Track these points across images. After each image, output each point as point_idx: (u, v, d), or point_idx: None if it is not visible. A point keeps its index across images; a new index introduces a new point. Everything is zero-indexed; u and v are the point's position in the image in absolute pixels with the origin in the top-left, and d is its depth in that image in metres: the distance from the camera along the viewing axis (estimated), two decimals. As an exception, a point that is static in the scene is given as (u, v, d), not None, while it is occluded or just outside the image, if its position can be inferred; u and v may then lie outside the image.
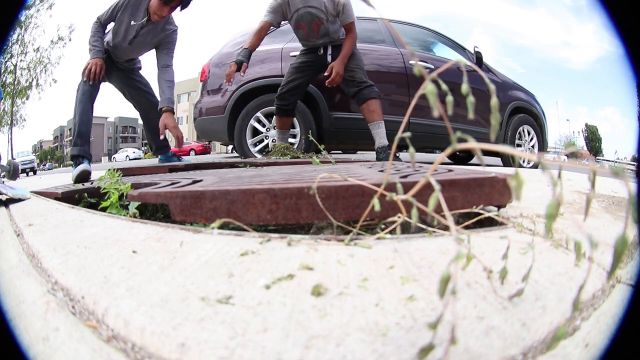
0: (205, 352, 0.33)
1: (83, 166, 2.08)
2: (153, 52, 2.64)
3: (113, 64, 2.57)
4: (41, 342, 0.38)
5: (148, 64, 2.87)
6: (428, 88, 0.32)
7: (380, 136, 2.70)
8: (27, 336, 0.39)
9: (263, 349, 0.33)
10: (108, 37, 2.50)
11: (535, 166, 3.36)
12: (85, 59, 2.42)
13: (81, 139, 2.28)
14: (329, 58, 2.71)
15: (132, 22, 2.42)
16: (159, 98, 2.58)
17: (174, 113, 2.50)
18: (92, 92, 2.37)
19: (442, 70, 0.35)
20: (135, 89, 2.73)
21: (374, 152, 2.83)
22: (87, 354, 0.36)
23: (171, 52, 2.60)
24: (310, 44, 2.78)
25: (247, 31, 3.71)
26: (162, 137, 2.55)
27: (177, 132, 2.46)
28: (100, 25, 2.44)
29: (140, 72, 2.81)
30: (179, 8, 2.41)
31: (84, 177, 2.00)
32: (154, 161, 3.55)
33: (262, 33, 2.69)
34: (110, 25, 2.51)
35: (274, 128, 3.23)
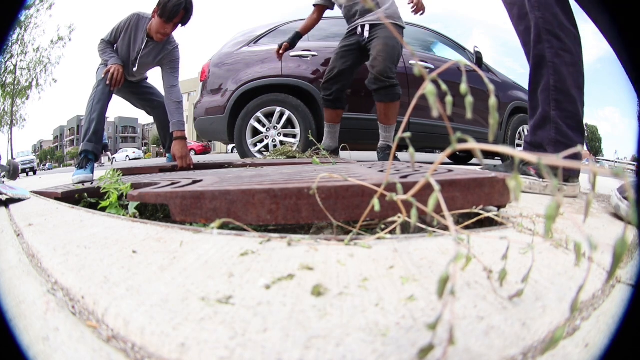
0: (205, 352, 0.33)
1: (84, 176, 2.06)
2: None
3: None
4: (41, 342, 0.38)
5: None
6: (428, 88, 0.32)
7: (384, 138, 2.62)
8: (27, 336, 0.39)
9: (263, 349, 0.33)
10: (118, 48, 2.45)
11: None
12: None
13: (96, 137, 2.23)
14: (366, 34, 2.49)
15: (133, 45, 2.39)
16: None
17: (185, 139, 2.40)
18: (110, 94, 2.35)
19: (442, 70, 0.35)
20: (142, 95, 2.76)
21: (374, 152, 2.82)
22: (87, 354, 0.36)
23: (176, 72, 2.52)
24: (350, 11, 2.58)
25: (247, 31, 3.72)
26: (179, 165, 2.34)
27: (185, 162, 2.31)
28: (107, 42, 2.39)
29: (147, 81, 2.84)
30: (180, 25, 2.33)
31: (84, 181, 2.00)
32: (154, 161, 3.58)
33: (313, 16, 2.74)
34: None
35: (274, 128, 3.23)
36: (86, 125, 2.26)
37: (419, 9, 2.47)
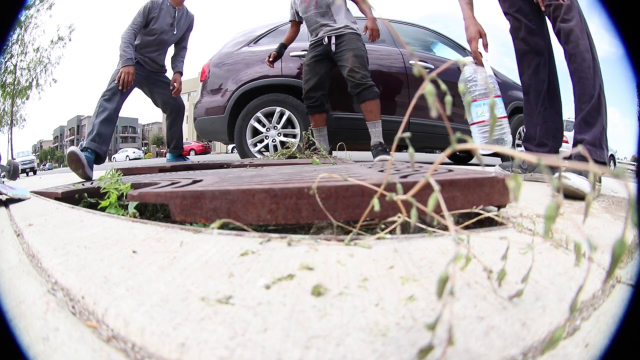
0: (205, 352, 0.33)
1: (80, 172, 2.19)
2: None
3: (142, 69, 2.96)
4: (41, 342, 0.38)
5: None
6: (427, 88, 0.32)
7: (375, 135, 2.80)
8: (27, 336, 0.39)
9: (263, 349, 0.33)
10: (139, 41, 2.90)
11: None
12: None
13: (100, 137, 2.45)
14: (333, 47, 2.74)
15: (165, 17, 2.91)
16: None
17: (182, 75, 3.19)
18: (122, 96, 2.71)
19: (441, 70, 0.35)
20: (164, 89, 3.14)
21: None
22: (87, 354, 0.36)
23: (188, 38, 3.22)
24: (312, 24, 2.82)
25: (247, 31, 3.71)
26: (175, 93, 3.12)
27: (179, 90, 3.12)
28: (134, 32, 2.82)
29: (165, 74, 3.22)
30: None
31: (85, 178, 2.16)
32: (154, 161, 3.64)
33: (291, 29, 3.08)
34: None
35: (274, 128, 3.23)
36: (89, 127, 2.54)
37: (373, 37, 2.78)
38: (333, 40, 2.76)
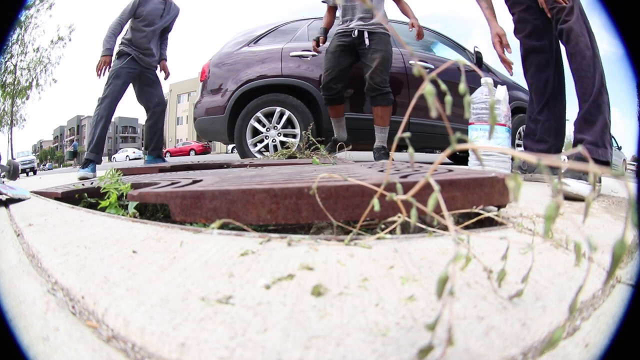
0: (205, 352, 0.33)
1: (84, 173, 2.57)
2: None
3: (137, 64, 3.11)
4: (41, 342, 0.38)
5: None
6: (427, 88, 0.32)
7: (380, 139, 2.82)
8: (27, 336, 0.39)
9: (263, 349, 0.33)
10: (131, 37, 3.06)
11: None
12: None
13: (97, 148, 2.82)
14: (367, 42, 2.68)
15: (157, 8, 3.08)
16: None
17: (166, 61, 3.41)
18: (122, 91, 2.97)
19: (441, 70, 0.35)
20: (151, 87, 3.26)
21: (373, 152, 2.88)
22: (87, 354, 0.36)
23: (172, 27, 3.39)
24: (347, 13, 2.77)
25: (247, 31, 3.71)
26: (166, 77, 3.41)
27: (168, 72, 3.40)
28: (120, 23, 2.99)
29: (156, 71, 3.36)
30: None
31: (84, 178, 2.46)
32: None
33: (328, 14, 3.00)
34: (127, 26, 3.09)
35: (274, 128, 3.23)
36: (89, 137, 2.84)
37: (421, 36, 2.80)
38: (366, 35, 2.70)
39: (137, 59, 3.04)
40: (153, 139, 3.34)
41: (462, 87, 0.32)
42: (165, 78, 3.35)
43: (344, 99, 2.91)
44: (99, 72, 2.90)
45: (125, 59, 2.96)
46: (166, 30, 3.32)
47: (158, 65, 3.31)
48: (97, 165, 2.77)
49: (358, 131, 3.25)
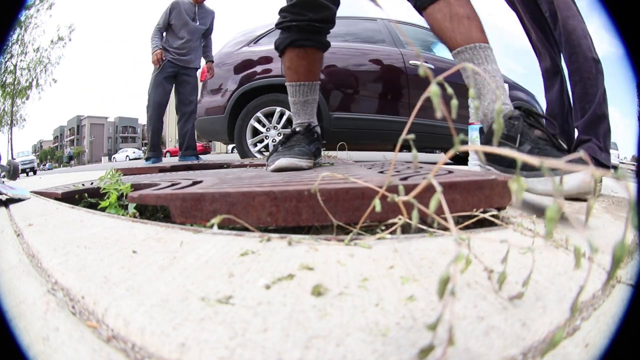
0: (205, 352, 0.33)
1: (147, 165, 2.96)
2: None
3: (174, 65, 3.49)
4: (41, 342, 0.38)
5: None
6: (433, 89, 0.32)
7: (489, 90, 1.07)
8: (27, 336, 0.39)
9: (263, 349, 0.33)
10: (168, 43, 3.48)
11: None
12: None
13: (154, 146, 3.46)
14: None
15: (189, 12, 3.43)
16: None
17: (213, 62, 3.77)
18: (164, 95, 3.46)
19: (449, 73, 0.34)
20: (184, 88, 3.63)
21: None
22: (87, 354, 0.36)
23: (212, 30, 3.84)
24: None
25: (247, 31, 3.72)
26: (210, 76, 3.68)
27: (214, 73, 3.65)
28: (159, 30, 3.43)
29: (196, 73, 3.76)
30: None
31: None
32: None
33: None
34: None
35: (274, 128, 3.23)
36: (147, 141, 3.58)
37: None
38: None
39: (174, 60, 3.41)
40: (184, 140, 3.69)
41: (472, 92, 0.32)
42: (209, 78, 3.64)
43: (323, 43, 1.57)
44: (158, 63, 3.36)
45: (162, 64, 3.33)
46: (207, 32, 3.67)
47: (197, 67, 3.64)
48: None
49: (358, 131, 3.25)
